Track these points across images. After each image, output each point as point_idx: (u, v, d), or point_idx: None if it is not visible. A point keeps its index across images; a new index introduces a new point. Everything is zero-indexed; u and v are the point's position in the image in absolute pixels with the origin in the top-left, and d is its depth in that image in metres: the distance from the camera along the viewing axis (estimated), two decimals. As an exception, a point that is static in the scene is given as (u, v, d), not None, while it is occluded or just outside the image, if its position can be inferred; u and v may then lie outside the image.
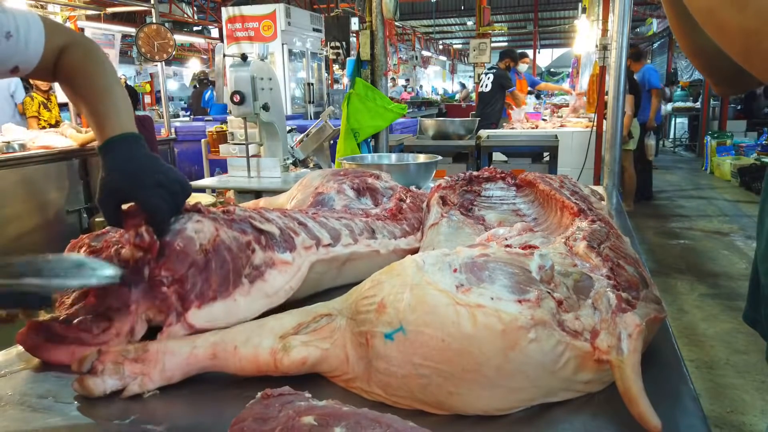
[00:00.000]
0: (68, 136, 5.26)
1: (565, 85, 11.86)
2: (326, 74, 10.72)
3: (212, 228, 0.98)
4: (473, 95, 12.18)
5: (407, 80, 18.78)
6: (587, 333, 0.75)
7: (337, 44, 5.85)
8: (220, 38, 10.43)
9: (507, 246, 0.90)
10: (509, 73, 7.51)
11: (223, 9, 8.81)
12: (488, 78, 7.28)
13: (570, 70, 11.69)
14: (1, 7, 0.98)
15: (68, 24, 6.41)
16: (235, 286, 0.97)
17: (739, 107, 11.16)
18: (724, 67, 0.68)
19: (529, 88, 8.75)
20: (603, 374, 0.75)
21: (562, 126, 6.28)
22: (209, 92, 9.68)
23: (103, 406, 0.80)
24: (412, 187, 1.78)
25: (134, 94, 5.11)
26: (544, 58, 31.03)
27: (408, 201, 1.56)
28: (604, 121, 2.89)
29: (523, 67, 8.29)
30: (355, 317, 0.81)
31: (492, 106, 7.20)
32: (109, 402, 0.81)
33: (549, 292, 0.76)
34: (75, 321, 0.93)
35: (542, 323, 0.72)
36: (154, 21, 6.13)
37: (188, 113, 10.50)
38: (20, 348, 1.00)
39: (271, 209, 1.20)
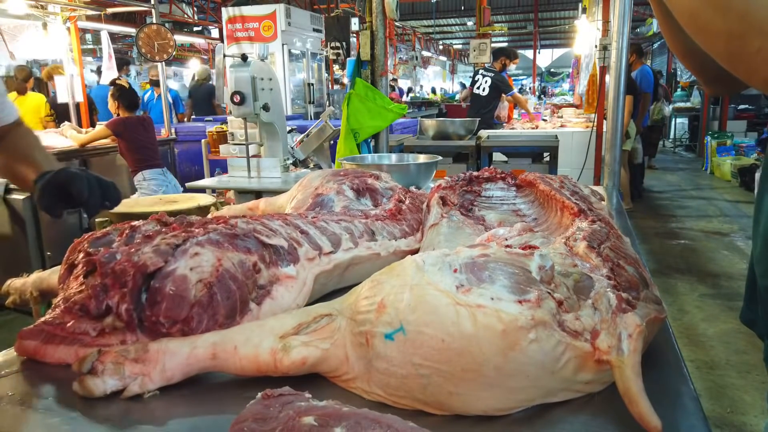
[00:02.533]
0: (68, 136, 5.27)
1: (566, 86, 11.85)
2: (326, 74, 10.71)
3: (213, 258, 0.93)
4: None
5: (394, 80, 17.85)
6: (587, 333, 0.75)
7: (338, 44, 5.84)
8: (220, 38, 10.43)
9: (507, 246, 0.90)
10: (503, 74, 7.47)
11: (223, 9, 8.81)
12: (486, 81, 7.20)
13: (570, 70, 11.71)
14: None
15: (68, 24, 6.41)
16: (242, 314, 0.95)
17: (739, 107, 11.16)
18: (713, 68, 0.68)
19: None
20: (603, 374, 0.76)
21: (562, 126, 6.28)
22: (149, 92, 8.79)
23: (103, 406, 0.80)
24: (412, 188, 1.78)
25: (134, 95, 5.10)
26: (544, 58, 31.05)
27: (407, 202, 1.56)
28: (604, 121, 2.89)
29: (510, 67, 8.24)
30: (355, 317, 0.80)
31: (489, 111, 7.15)
32: (109, 402, 0.81)
33: (549, 293, 0.76)
34: (69, 324, 0.92)
35: (542, 324, 0.72)
36: (155, 21, 6.13)
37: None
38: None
39: (272, 216, 1.19)
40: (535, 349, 0.71)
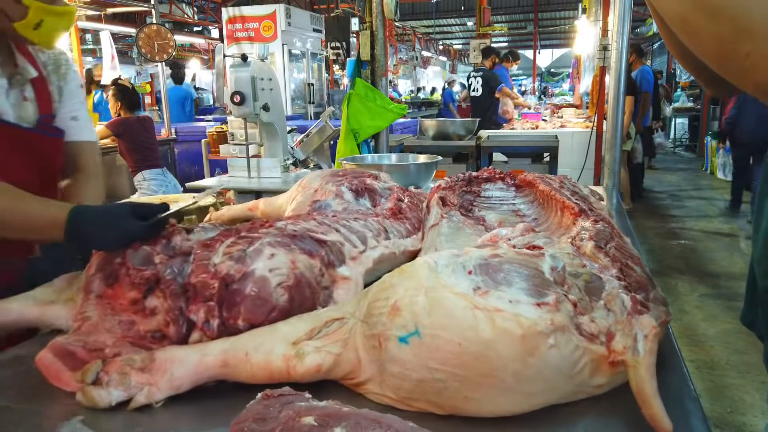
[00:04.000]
0: (68, 136, 5.26)
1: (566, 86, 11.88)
2: (326, 75, 10.70)
3: (287, 260, 0.90)
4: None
5: (391, 81, 17.56)
6: (602, 336, 0.74)
7: (338, 45, 5.85)
8: (221, 39, 10.43)
9: (512, 246, 0.89)
10: (500, 71, 7.46)
11: (223, 9, 8.81)
12: (477, 82, 7.20)
13: (570, 70, 11.71)
14: None
15: (68, 24, 6.40)
16: None
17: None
18: (710, 70, 0.68)
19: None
20: (616, 377, 0.75)
21: (562, 126, 6.28)
22: (98, 93, 7.31)
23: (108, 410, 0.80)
24: (411, 188, 1.78)
25: (135, 95, 5.10)
26: (545, 58, 31.04)
27: (406, 200, 1.55)
28: (605, 121, 2.89)
29: (512, 68, 8.23)
30: (367, 320, 0.79)
31: (488, 110, 7.14)
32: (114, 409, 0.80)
33: (565, 295, 0.75)
34: (107, 350, 0.85)
35: (561, 328, 0.70)
36: (155, 21, 6.13)
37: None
38: (21, 349, 0.99)
39: (305, 218, 1.16)
40: (554, 354, 0.70)
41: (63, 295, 1.02)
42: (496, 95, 7.24)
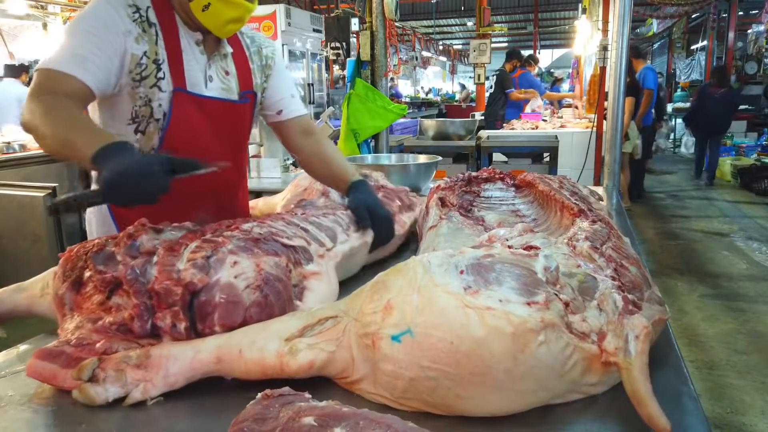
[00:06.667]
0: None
1: (566, 86, 11.91)
2: (326, 75, 10.69)
3: (252, 264, 0.93)
4: (473, 96, 12.26)
5: (392, 79, 17.45)
6: (594, 335, 0.74)
7: (338, 45, 5.86)
8: (221, 39, 10.40)
9: (508, 247, 0.90)
10: (526, 75, 7.62)
11: (223, 9, 8.79)
12: (493, 80, 7.50)
13: (570, 70, 11.71)
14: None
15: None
16: (291, 310, 0.96)
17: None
18: None
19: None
20: (609, 376, 0.75)
21: (562, 126, 6.28)
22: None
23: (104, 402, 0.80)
24: (407, 189, 1.78)
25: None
26: (545, 58, 31.02)
27: (380, 195, 1.56)
28: (605, 121, 2.89)
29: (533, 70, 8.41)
30: (360, 319, 0.80)
31: (493, 106, 7.29)
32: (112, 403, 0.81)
33: (556, 294, 0.76)
34: (98, 345, 0.86)
35: (551, 326, 0.71)
36: (155, 21, 6.11)
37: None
38: (21, 349, 1.00)
39: (274, 217, 1.19)
40: (544, 351, 0.70)
41: (49, 288, 1.03)
42: (511, 96, 7.38)
